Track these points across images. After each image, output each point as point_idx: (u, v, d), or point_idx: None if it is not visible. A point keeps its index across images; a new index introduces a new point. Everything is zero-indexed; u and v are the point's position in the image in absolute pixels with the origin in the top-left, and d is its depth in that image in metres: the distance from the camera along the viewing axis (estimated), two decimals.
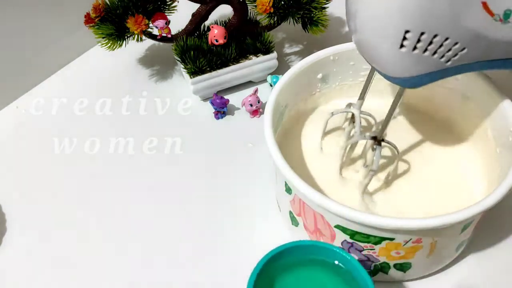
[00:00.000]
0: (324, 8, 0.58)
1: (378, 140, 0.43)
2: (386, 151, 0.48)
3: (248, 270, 0.47)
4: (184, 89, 0.62)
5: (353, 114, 0.47)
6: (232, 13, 0.59)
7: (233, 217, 0.51)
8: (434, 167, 0.48)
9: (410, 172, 0.48)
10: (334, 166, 0.48)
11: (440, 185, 0.47)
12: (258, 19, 0.62)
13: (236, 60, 0.60)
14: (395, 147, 0.45)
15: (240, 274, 0.47)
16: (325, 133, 0.49)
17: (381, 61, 0.37)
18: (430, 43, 0.34)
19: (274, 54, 0.61)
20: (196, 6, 0.59)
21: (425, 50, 0.35)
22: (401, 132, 0.50)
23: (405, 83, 0.38)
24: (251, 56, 0.61)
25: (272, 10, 0.56)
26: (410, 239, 0.39)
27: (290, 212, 0.45)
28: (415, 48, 0.34)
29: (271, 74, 0.62)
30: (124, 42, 0.58)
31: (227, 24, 0.60)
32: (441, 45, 0.34)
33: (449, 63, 0.36)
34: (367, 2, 0.35)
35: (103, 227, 0.51)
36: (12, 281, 0.48)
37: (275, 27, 0.60)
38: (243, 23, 0.60)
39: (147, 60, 0.67)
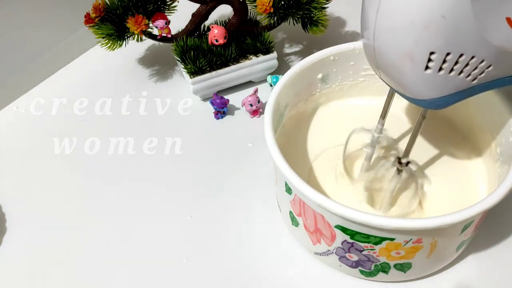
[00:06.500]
0: (324, 8, 0.58)
1: (405, 162, 0.42)
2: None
3: (247, 270, 0.48)
4: (184, 89, 0.62)
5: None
6: (232, 13, 0.59)
7: (232, 217, 0.51)
8: (434, 167, 0.48)
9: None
10: (334, 166, 0.48)
11: (440, 185, 0.47)
12: (258, 19, 0.62)
13: (236, 60, 0.60)
14: (418, 165, 0.44)
15: (239, 274, 0.47)
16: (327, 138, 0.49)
17: (404, 83, 0.35)
18: (456, 62, 0.33)
19: (274, 54, 0.61)
20: (196, 6, 0.59)
21: (451, 70, 0.33)
22: (400, 131, 0.50)
23: (430, 105, 0.36)
24: (251, 56, 0.61)
25: (272, 10, 0.56)
26: (410, 239, 0.39)
27: (290, 212, 0.45)
28: (440, 69, 0.33)
29: (271, 74, 0.62)
30: (124, 42, 0.58)
31: (227, 24, 0.60)
32: (467, 64, 0.33)
33: (475, 81, 0.35)
34: (387, 23, 0.33)
35: (103, 227, 0.51)
36: (12, 281, 0.48)
37: (275, 27, 0.60)
38: (243, 23, 0.60)
39: (147, 60, 0.67)
